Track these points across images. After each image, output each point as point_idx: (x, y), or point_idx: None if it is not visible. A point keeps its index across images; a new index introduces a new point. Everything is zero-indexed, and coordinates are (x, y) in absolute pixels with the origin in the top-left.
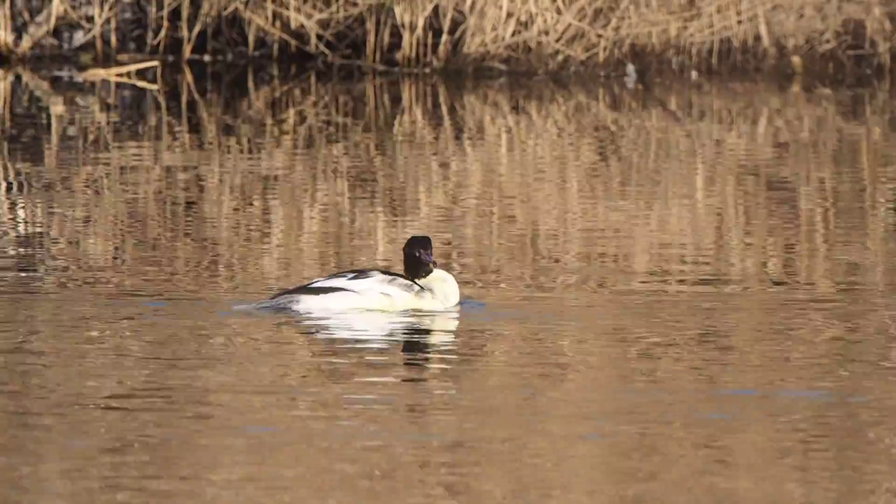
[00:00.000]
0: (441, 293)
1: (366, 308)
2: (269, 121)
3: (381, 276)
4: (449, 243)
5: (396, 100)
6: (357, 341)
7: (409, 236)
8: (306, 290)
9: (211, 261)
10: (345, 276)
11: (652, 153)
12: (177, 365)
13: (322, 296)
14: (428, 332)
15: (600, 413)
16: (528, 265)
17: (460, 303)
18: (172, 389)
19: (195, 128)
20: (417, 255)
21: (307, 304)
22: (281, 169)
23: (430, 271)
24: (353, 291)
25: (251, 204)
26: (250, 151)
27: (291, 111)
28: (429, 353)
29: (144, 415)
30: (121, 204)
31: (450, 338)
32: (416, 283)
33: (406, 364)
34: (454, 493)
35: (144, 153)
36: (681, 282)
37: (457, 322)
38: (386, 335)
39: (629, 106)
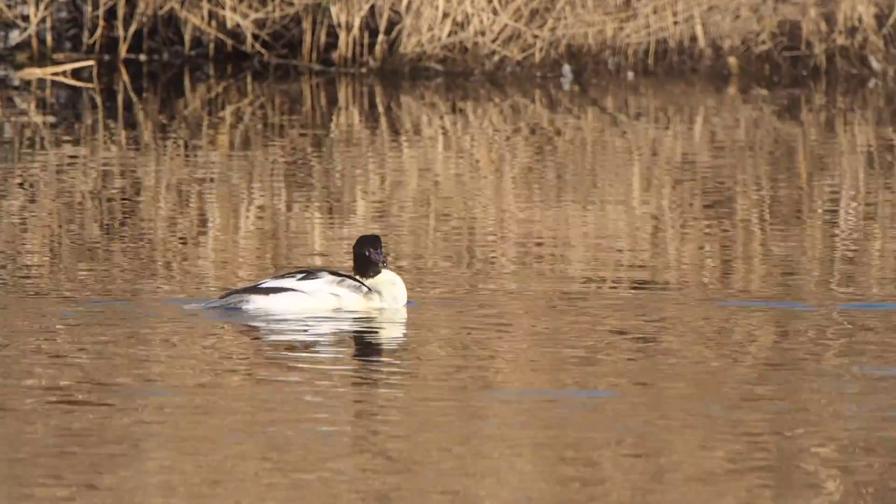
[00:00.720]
0: (389, 295)
1: (315, 309)
2: (205, 120)
3: (330, 277)
4: (384, 243)
5: (333, 100)
6: (302, 342)
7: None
8: (255, 290)
9: (147, 260)
10: (294, 277)
11: (588, 154)
12: (112, 364)
13: (271, 296)
14: (375, 332)
15: (530, 418)
16: (464, 266)
17: (408, 303)
18: (107, 387)
19: (131, 127)
20: (367, 254)
21: (256, 304)
22: (217, 168)
23: (380, 271)
24: (302, 292)
25: (188, 203)
26: (186, 151)
27: (228, 111)
28: (373, 353)
29: (81, 413)
30: (56, 204)
31: (396, 338)
32: (364, 284)
33: (348, 364)
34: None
35: (80, 153)
36: (615, 283)
37: (404, 322)
38: (332, 336)
39: (565, 106)
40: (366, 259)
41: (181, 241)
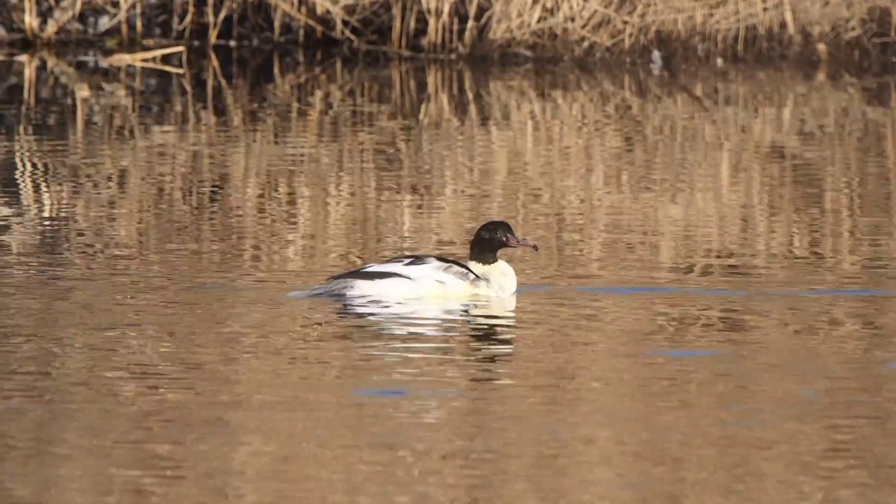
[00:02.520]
0: (497, 283)
1: (419, 295)
2: (294, 106)
3: (436, 263)
4: (474, 229)
5: (422, 86)
6: (404, 329)
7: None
8: (360, 274)
9: (236, 246)
10: (400, 262)
11: (677, 140)
12: (206, 348)
13: (376, 281)
14: (479, 320)
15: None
16: (554, 253)
17: (516, 291)
18: (208, 371)
19: (220, 113)
20: (505, 239)
21: (361, 290)
22: (306, 155)
23: (497, 258)
24: (407, 277)
25: (277, 190)
26: (276, 137)
27: (317, 97)
28: (480, 341)
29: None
30: (146, 190)
31: (502, 326)
32: (472, 271)
33: (453, 352)
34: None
35: (170, 139)
36: (706, 272)
37: (512, 311)
38: (434, 323)
39: (654, 93)
40: (489, 244)
41: (270, 227)
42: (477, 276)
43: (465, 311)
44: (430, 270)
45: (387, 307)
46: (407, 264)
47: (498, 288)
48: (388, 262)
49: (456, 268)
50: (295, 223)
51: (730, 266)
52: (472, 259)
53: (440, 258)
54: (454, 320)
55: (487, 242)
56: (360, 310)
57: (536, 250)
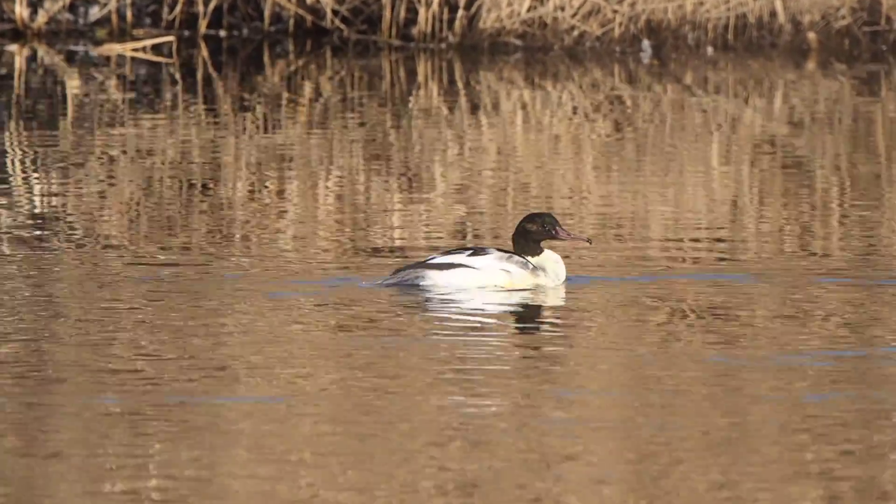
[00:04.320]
0: (553, 272)
1: (486, 284)
2: (284, 96)
3: (498, 254)
4: (464, 218)
5: (412, 75)
6: (473, 316)
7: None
8: (429, 265)
9: (226, 235)
10: (462, 253)
11: (667, 128)
12: (227, 340)
13: (446, 271)
14: (542, 307)
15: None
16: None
17: (567, 279)
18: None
19: (211, 103)
20: (554, 232)
21: (432, 280)
22: (296, 144)
23: (542, 249)
24: (473, 268)
25: (266, 179)
26: (266, 126)
27: (307, 86)
28: (541, 326)
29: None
30: (136, 179)
31: (567, 312)
32: (530, 262)
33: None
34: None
35: (160, 128)
36: (695, 259)
37: (567, 298)
38: (502, 310)
39: (644, 81)
40: (533, 234)
41: (260, 216)
42: (534, 265)
43: (530, 299)
44: (494, 261)
45: (458, 298)
46: (469, 255)
47: (554, 276)
48: (447, 253)
49: (517, 258)
50: (285, 212)
51: (720, 252)
52: (517, 252)
53: (499, 249)
54: (519, 311)
55: (533, 234)
56: (435, 300)
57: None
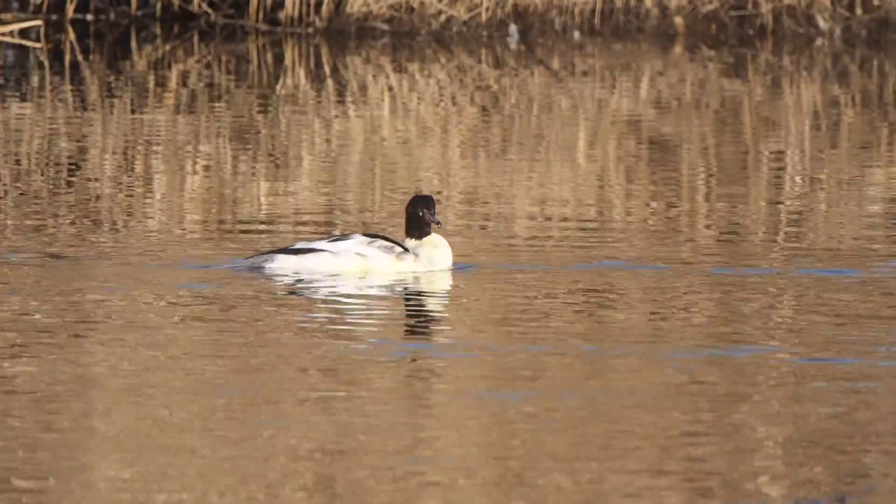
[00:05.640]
0: (426, 257)
1: (340, 269)
2: (151, 80)
3: (361, 238)
4: (330, 201)
5: (279, 60)
6: (310, 300)
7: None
8: (284, 250)
9: (93, 219)
10: (327, 238)
11: (534, 113)
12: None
13: (298, 256)
14: (390, 294)
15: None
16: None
17: (453, 267)
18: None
19: (78, 87)
20: (421, 214)
21: (281, 264)
22: (163, 128)
23: (429, 232)
24: (329, 252)
25: (134, 163)
26: (133, 111)
27: (174, 71)
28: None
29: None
30: (3, 164)
31: (415, 299)
32: (400, 245)
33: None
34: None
35: (27, 112)
36: (560, 242)
37: (432, 286)
38: (338, 295)
39: (511, 66)
40: (417, 219)
41: (127, 200)
42: (406, 250)
43: (383, 285)
44: (353, 245)
45: (301, 282)
46: (332, 240)
47: (427, 262)
48: (320, 239)
49: (381, 242)
50: (152, 196)
51: (585, 238)
52: (406, 235)
53: (367, 234)
54: (358, 294)
55: (412, 217)
56: (265, 284)
57: (439, 225)
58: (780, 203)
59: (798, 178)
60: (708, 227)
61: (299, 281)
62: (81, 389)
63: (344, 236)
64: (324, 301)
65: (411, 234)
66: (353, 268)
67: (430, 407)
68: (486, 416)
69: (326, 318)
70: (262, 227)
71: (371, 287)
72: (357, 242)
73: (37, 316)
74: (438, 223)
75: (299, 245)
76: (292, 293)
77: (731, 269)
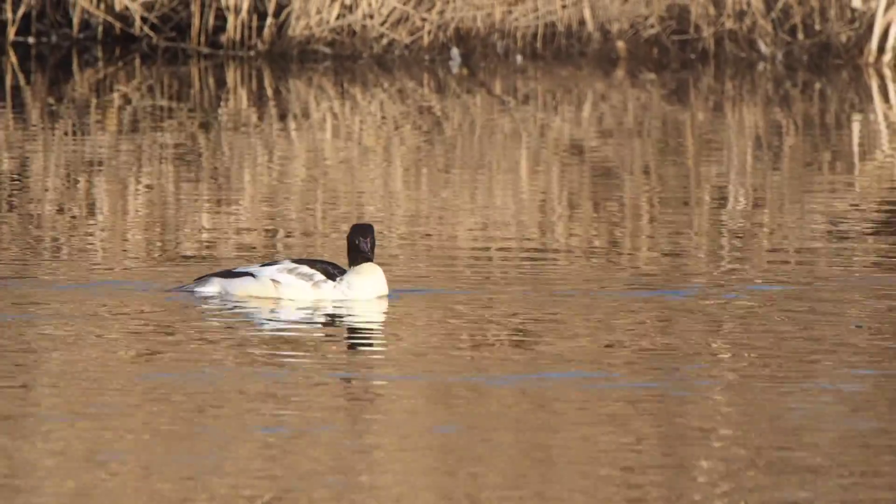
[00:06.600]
0: (347, 285)
1: (259, 294)
2: (93, 103)
3: (285, 264)
4: (273, 225)
5: (221, 83)
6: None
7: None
8: (221, 273)
9: (33, 243)
10: (262, 263)
11: (476, 137)
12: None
13: (228, 279)
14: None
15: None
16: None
17: (389, 296)
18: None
19: (19, 110)
20: (357, 242)
21: (212, 288)
22: (105, 152)
23: (368, 260)
24: (251, 276)
25: (75, 186)
26: (75, 134)
27: (116, 94)
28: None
29: None
30: None
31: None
32: (335, 271)
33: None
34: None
35: None
36: (503, 271)
37: (353, 313)
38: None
39: (454, 90)
40: (354, 247)
41: (68, 223)
42: (330, 277)
43: (297, 312)
44: (274, 270)
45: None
46: (263, 264)
47: (347, 290)
48: (261, 264)
49: (304, 269)
50: (94, 220)
51: (526, 263)
52: (349, 263)
53: (297, 259)
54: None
55: (351, 245)
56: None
57: (369, 259)
58: (723, 226)
59: (740, 203)
60: (650, 250)
61: (223, 306)
62: (10, 410)
63: (272, 262)
64: (231, 327)
65: (350, 260)
66: (269, 293)
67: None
68: (424, 447)
69: (235, 343)
70: (205, 251)
71: (286, 313)
72: (279, 268)
73: None
74: (368, 254)
75: (239, 269)
76: (213, 317)
77: (674, 292)
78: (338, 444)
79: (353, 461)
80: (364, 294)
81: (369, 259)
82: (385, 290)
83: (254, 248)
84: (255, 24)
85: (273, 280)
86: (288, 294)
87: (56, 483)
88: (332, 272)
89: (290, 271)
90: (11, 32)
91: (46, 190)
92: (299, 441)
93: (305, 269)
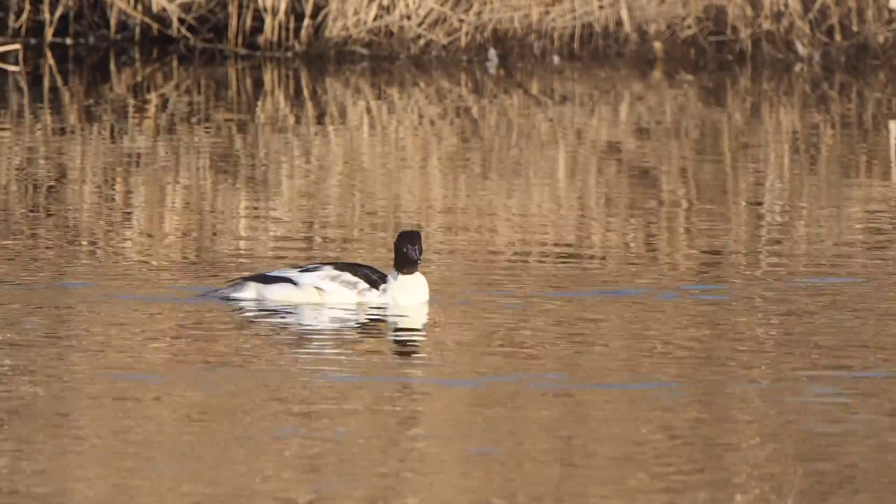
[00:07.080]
0: (391, 295)
1: (300, 300)
2: (130, 104)
3: (328, 271)
4: (310, 227)
5: (258, 84)
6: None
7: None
8: (259, 278)
9: (72, 245)
10: (300, 267)
11: (513, 138)
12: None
13: (265, 285)
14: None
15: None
16: (391, 250)
17: (428, 301)
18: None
19: (57, 111)
20: (405, 250)
21: (249, 293)
22: (143, 152)
23: (415, 268)
24: (291, 282)
25: (113, 188)
26: (112, 135)
27: (153, 95)
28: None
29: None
30: None
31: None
32: (378, 276)
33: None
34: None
35: (6, 136)
36: (540, 263)
37: (393, 321)
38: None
39: (491, 90)
40: (403, 254)
41: (107, 225)
42: (373, 284)
43: (342, 318)
44: (316, 277)
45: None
46: (302, 270)
47: (391, 298)
48: (299, 267)
49: (347, 276)
50: (131, 221)
51: (566, 264)
52: (395, 267)
53: (339, 264)
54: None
55: (398, 252)
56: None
57: (418, 263)
58: (761, 227)
59: (777, 205)
60: (688, 251)
61: (262, 311)
62: (58, 402)
63: (314, 267)
64: (275, 332)
65: (398, 268)
66: (311, 300)
67: (404, 447)
68: (460, 459)
69: (279, 350)
70: (242, 252)
71: (332, 320)
72: (321, 275)
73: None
74: (418, 262)
75: (274, 273)
76: (251, 323)
77: (712, 294)
78: (378, 448)
79: (395, 466)
80: (408, 302)
81: (416, 267)
82: (427, 297)
83: (290, 250)
84: (292, 25)
85: (317, 288)
86: (332, 302)
87: (88, 486)
88: (374, 278)
89: (332, 279)
90: (49, 34)
91: (83, 191)
92: (339, 445)
93: (348, 276)
